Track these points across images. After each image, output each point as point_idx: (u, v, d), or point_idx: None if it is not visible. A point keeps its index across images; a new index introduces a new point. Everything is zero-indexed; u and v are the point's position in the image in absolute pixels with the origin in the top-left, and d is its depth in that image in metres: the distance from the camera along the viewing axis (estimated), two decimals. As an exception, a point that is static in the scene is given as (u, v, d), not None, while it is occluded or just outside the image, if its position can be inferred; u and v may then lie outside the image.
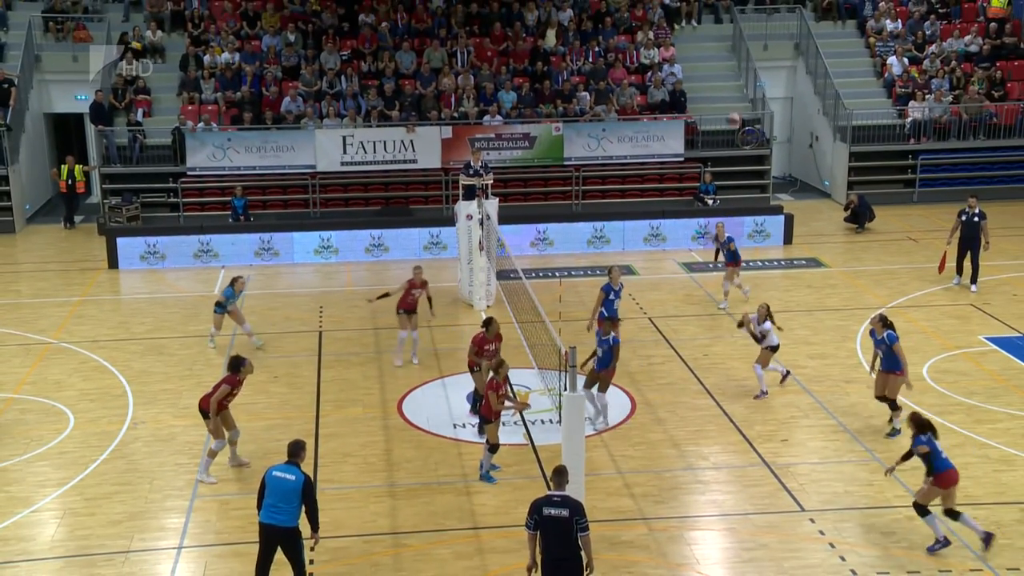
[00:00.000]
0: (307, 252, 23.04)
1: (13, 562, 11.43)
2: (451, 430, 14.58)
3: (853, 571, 11.17)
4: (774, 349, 15.57)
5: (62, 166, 25.58)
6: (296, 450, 10.53)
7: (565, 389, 11.36)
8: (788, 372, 15.92)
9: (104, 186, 25.30)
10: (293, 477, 10.29)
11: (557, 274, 21.53)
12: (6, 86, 25.82)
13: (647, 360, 17.10)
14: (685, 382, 16.25)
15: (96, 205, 25.88)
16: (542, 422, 14.81)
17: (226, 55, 27.02)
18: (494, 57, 27.73)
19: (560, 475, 9.90)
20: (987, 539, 11.45)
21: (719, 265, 20.54)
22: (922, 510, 11.49)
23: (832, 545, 11.67)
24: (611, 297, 16.61)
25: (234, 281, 17.52)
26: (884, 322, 14.28)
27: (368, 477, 13.25)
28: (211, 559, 11.43)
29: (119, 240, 22.45)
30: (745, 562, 11.40)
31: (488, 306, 19.63)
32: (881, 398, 14.46)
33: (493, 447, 13.07)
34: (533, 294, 14.53)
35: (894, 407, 14.33)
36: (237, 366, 13.19)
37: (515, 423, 14.71)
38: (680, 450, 13.84)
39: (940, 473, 11.38)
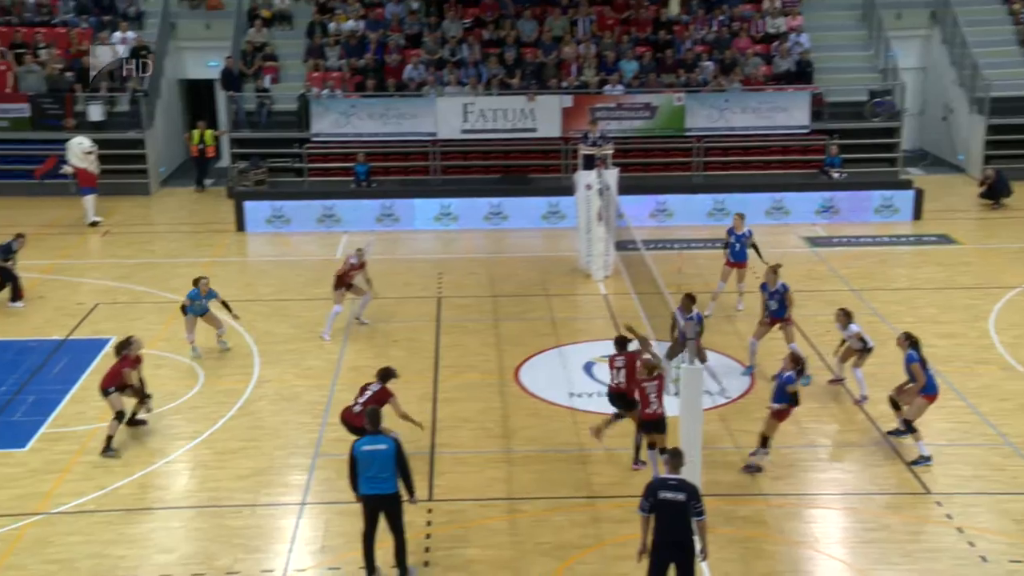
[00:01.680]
0: (427, 219, 23.30)
1: (151, 509, 11.95)
2: (567, 399, 14.61)
3: (983, 557, 10.84)
4: (867, 351, 14.35)
5: (194, 131, 26.38)
6: (375, 419, 10.60)
7: (683, 362, 11.27)
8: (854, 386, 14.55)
9: (233, 150, 26.00)
10: (384, 446, 10.35)
11: (676, 246, 21.31)
12: (144, 53, 26.73)
13: (768, 335, 16.77)
14: (807, 358, 15.86)
15: (225, 169, 26.63)
16: (659, 394, 14.69)
17: (351, 23, 27.39)
18: (616, 25, 27.44)
19: (676, 457, 9.76)
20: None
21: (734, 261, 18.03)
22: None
23: (960, 530, 11.34)
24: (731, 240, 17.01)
25: (197, 281, 16.15)
26: (909, 339, 12.98)
27: (485, 443, 13.39)
28: (332, 516, 11.74)
29: (246, 204, 23.06)
30: (867, 543, 11.16)
31: (606, 276, 19.56)
32: (894, 405, 13.28)
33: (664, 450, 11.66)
34: (652, 265, 14.42)
35: (909, 428, 12.88)
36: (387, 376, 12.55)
37: (632, 394, 14.63)
38: (800, 427, 13.60)
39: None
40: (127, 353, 13.46)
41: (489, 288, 19.25)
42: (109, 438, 13.11)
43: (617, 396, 12.83)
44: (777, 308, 15.30)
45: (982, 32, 27.74)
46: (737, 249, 17.66)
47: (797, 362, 12.37)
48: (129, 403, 13.51)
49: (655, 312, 15.08)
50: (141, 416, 13.76)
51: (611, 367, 12.90)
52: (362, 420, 11.81)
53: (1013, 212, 23.62)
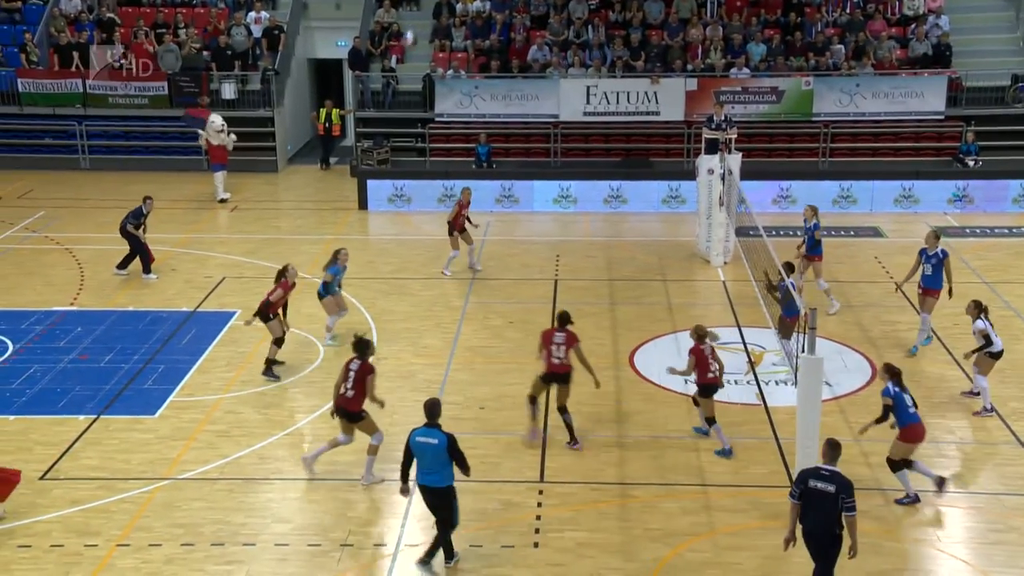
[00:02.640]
0: (546, 200, 23.32)
1: (269, 479, 12.32)
2: (682, 385, 14.45)
3: (1115, 567, 10.35)
4: (996, 355, 13.41)
5: (321, 110, 26.93)
6: (433, 411, 10.36)
7: (803, 351, 11.03)
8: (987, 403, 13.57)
9: (358, 130, 26.45)
10: (436, 440, 10.22)
11: (799, 233, 20.80)
12: (276, 32, 27.42)
13: (891, 326, 16.33)
14: (932, 351, 15.42)
15: (350, 148, 27.13)
16: (776, 383, 14.46)
17: (478, 3, 27.52)
18: (744, 7, 26.89)
19: (833, 448, 9.57)
20: (940, 483, 11.54)
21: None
22: (895, 465, 11.45)
23: (1091, 537, 10.84)
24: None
25: (337, 254, 16.08)
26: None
27: (598, 427, 13.37)
28: (444, 492, 11.86)
29: (369, 182, 23.45)
30: (992, 544, 10.77)
31: (725, 263, 19.27)
32: None
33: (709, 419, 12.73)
34: (774, 252, 14.12)
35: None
36: (364, 349, 12.02)
37: (748, 382, 14.44)
38: (924, 421, 13.15)
39: (904, 427, 11.29)
40: (285, 279, 14.94)
41: (606, 272, 19.17)
42: (270, 361, 14.79)
43: (557, 375, 12.65)
44: (932, 274, 15.14)
45: None
46: (808, 240, 16.80)
47: (893, 374, 11.56)
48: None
49: (772, 300, 14.82)
50: (277, 359, 14.93)
51: (549, 344, 12.64)
52: (354, 405, 11.85)
53: None
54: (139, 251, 18.87)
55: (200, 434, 13.32)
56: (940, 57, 25.29)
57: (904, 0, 26.67)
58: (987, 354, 13.47)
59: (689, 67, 25.52)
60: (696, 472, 12.26)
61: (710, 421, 12.67)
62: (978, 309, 13.57)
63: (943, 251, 15.30)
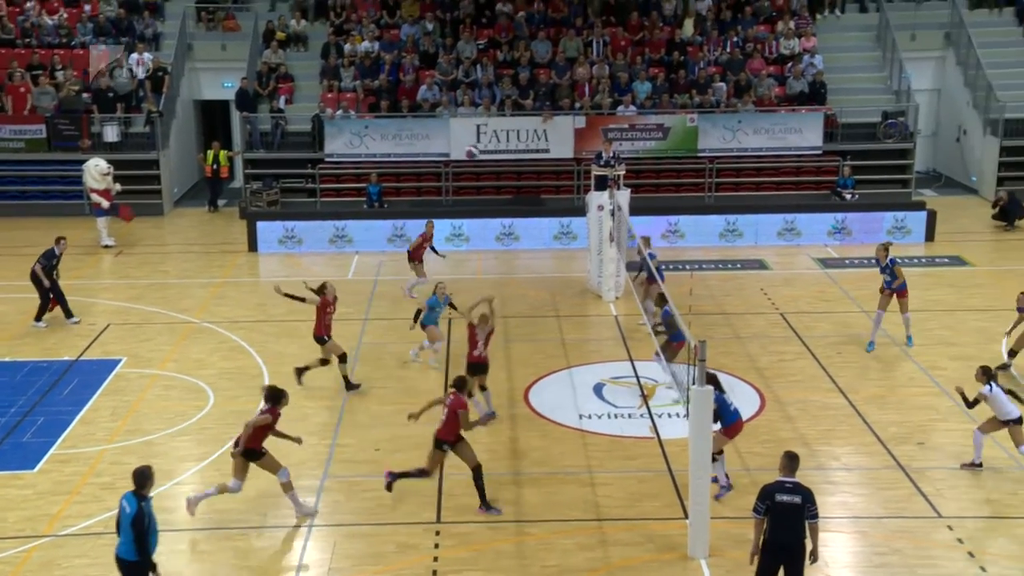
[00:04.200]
0: (438, 240, 23.13)
1: (158, 531, 11.90)
2: (577, 420, 14.57)
3: (994, 583, 10.74)
4: (1014, 422, 12.67)
5: (208, 151, 26.55)
6: (139, 479, 9.79)
7: (693, 383, 11.23)
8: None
9: (246, 171, 26.14)
10: (129, 509, 9.71)
11: (688, 267, 21.28)
12: (160, 74, 26.96)
13: (778, 356, 16.76)
14: (816, 380, 15.86)
15: (238, 189, 26.78)
16: (669, 415, 14.67)
17: (366, 44, 27.56)
18: (629, 47, 27.52)
19: (792, 460, 9.95)
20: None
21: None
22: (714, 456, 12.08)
23: (971, 554, 11.23)
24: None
25: (436, 288, 16.23)
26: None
27: (493, 464, 13.33)
28: (340, 538, 11.72)
29: (259, 224, 23.15)
30: (876, 567, 11.07)
31: (617, 297, 19.54)
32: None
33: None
34: (663, 286, 14.36)
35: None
36: (278, 398, 12.12)
37: (641, 415, 14.62)
38: (810, 449, 13.53)
39: (727, 426, 12.13)
40: (324, 296, 15.33)
41: (499, 309, 19.16)
42: (346, 378, 15.40)
43: (479, 365, 14.09)
44: (890, 280, 16.71)
45: (996, 54, 27.72)
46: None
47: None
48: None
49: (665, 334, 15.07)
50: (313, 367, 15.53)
51: (474, 337, 14.10)
52: (255, 443, 11.81)
53: (1027, 234, 23.52)
54: (46, 295, 18.13)
55: (83, 487, 12.86)
56: (816, 95, 26.27)
57: (781, 40, 27.65)
58: (1006, 422, 12.79)
59: (577, 105, 25.95)
60: (592, 507, 12.32)
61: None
62: (986, 376, 12.92)
63: (892, 260, 16.83)
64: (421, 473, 12.21)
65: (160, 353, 17.11)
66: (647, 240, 17.70)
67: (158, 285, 20.81)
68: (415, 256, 19.66)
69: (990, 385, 12.78)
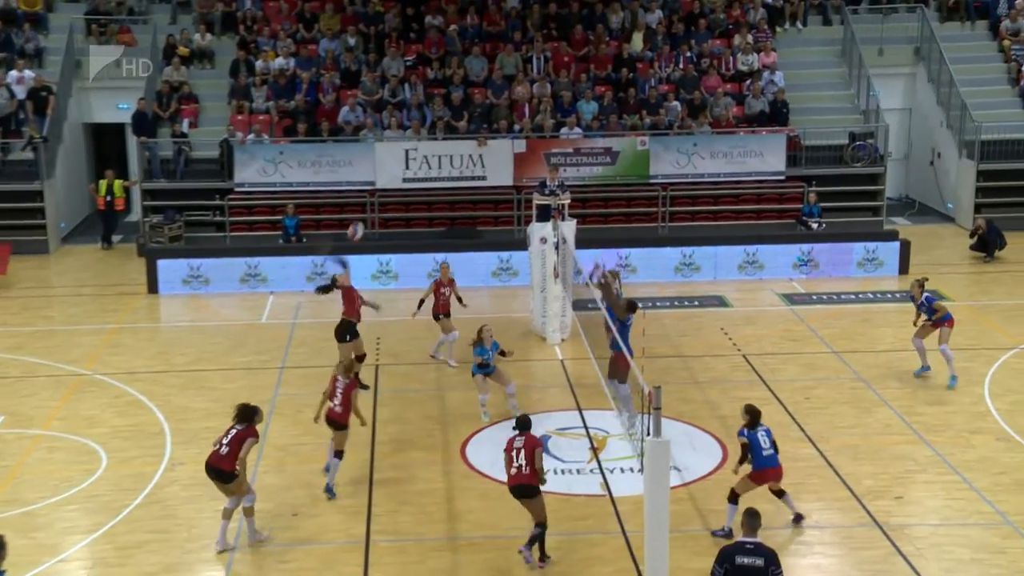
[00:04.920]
0: (364, 277, 23.18)
1: (38, 613, 11.64)
2: (519, 478, 14.52)
3: (979, 651, 10.85)
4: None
5: (101, 181, 26.23)
6: None
7: (648, 434, 11.26)
8: None
9: (145, 203, 25.86)
10: None
11: (640, 305, 21.37)
12: (44, 94, 26.63)
13: (741, 403, 16.78)
14: (783, 428, 15.97)
15: (136, 224, 26.47)
16: (622, 470, 14.70)
17: (280, 60, 27.52)
18: (573, 63, 27.83)
19: (753, 518, 10.08)
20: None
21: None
22: (734, 497, 12.71)
23: (955, 620, 11.36)
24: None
25: (480, 333, 16.24)
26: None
27: (427, 528, 13.25)
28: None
29: (160, 262, 22.89)
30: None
31: (563, 339, 19.59)
32: None
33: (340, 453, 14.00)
34: (613, 327, 14.44)
35: None
36: (251, 416, 12.92)
37: (591, 471, 14.62)
38: (777, 505, 13.58)
39: (756, 470, 12.58)
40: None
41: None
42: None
43: (332, 422, 14.02)
44: (929, 313, 17.50)
45: (970, 70, 28.49)
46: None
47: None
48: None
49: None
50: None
51: (332, 388, 14.12)
52: (227, 463, 12.53)
53: (1007, 265, 24.08)
54: None
55: (-45, 565, 12.48)
56: (777, 114, 26.75)
57: (738, 55, 28.16)
58: None
59: (516, 127, 26.13)
60: (537, 573, 12.26)
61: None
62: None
63: (930, 298, 17.59)
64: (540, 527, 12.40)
65: (44, 410, 16.78)
66: (615, 274, 17.89)
67: (42, 333, 20.45)
68: (441, 309, 18.52)
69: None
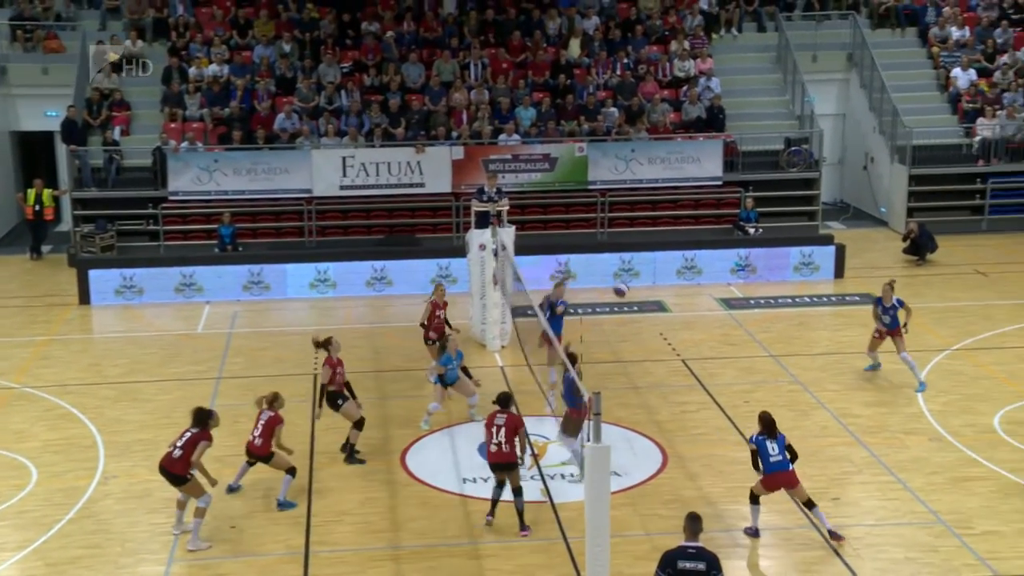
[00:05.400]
0: (301, 286, 23.12)
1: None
2: (460, 485, 14.53)
3: (915, 648, 11.04)
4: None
5: (29, 190, 25.82)
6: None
7: (588, 440, 11.31)
8: None
9: (76, 212, 25.49)
10: None
11: (579, 311, 21.52)
12: (-31, 101, 26.21)
13: (680, 408, 17.04)
14: (722, 432, 16.17)
15: (66, 233, 26.09)
16: (562, 476, 14.75)
17: (214, 67, 27.30)
18: (511, 69, 27.92)
19: (695, 522, 10.16)
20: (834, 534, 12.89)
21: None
22: (753, 498, 13.11)
23: (891, 619, 11.55)
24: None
25: (445, 341, 16.45)
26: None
27: (367, 539, 13.20)
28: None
29: (91, 273, 22.60)
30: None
31: (503, 346, 19.63)
32: None
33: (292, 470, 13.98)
34: (552, 334, 14.51)
35: None
36: (205, 420, 13.14)
37: (531, 477, 14.66)
38: (716, 509, 13.75)
39: (766, 475, 12.86)
40: (329, 355, 15.27)
41: (372, 363, 19.13)
42: (352, 446, 15.13)
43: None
44: (891, 322, 17.62)
45: (901, 76, 29.02)
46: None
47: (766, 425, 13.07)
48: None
49: (557, 385, 15.21)
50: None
51: (256, 423, 13.98)
52: (179, 467, 12.79)
53: (938, 268, 24.54)
54: None
55: None
56: (714, 120, 27.05)
57: (675, 61, 28.42)
58: None
59: (454, 134, 26.15)
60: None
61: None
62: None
63: (899, 300, 17.72)
64: None
65: (-28, 425, 16.49)
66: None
67: (-30, 345, 20.10)
68: (435, 329, 17.82)
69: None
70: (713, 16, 30.17)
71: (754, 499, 13.12)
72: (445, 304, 18.09)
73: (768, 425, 12.96)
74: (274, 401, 14.14)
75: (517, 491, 13.19)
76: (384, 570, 12.54)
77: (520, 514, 13.17)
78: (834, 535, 12.87)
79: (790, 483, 12.97)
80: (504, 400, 13.49)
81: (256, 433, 13.94)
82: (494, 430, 13.14)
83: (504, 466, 13.15)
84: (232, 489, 14.19)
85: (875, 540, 13.07)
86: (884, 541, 13.05)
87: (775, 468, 12.82)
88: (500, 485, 13.33)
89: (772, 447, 12.85)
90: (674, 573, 9.91)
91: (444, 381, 16.28)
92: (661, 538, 12.92)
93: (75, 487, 14.53)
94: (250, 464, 14.22)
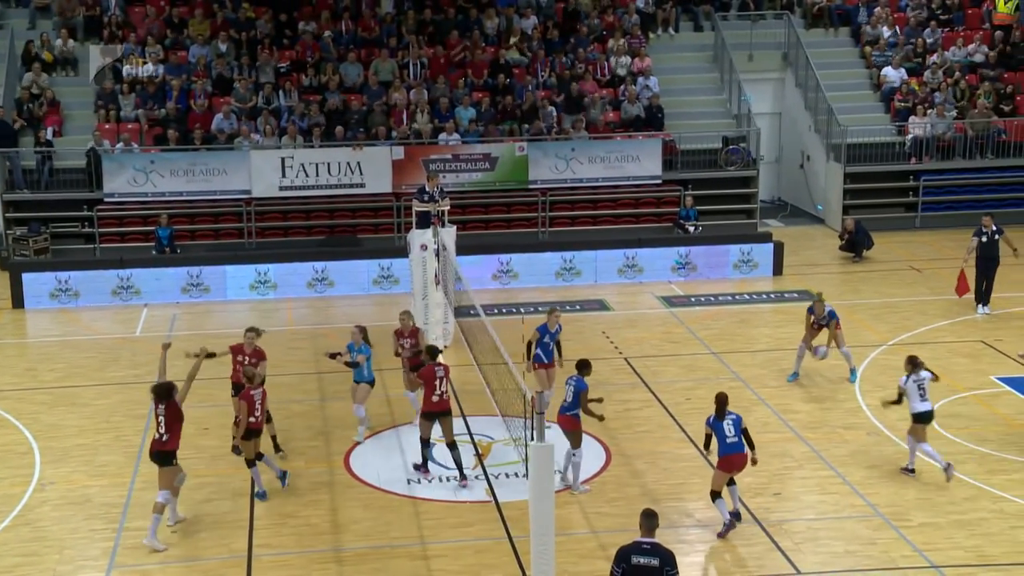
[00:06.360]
0: (241, 288, 22.94)
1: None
2: (405, 486, 14.52)
3: (856, 640, 11.24)
4: (920, 418, 14.50)
5: (-40, 193, 25.37)
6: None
7: (532, 439, 11.37)
8: (948, 465, 14.41)
9: (7, 215, 25.06)
10: None
11: (522, 310, 21.59)
12: None
13: (623, 405, 17.16)
14: (665, 429, 16.32)
15: (-1, 236, 25.68)
16: (507, 476, 14.79)
17: (149, 67, 26.98)
18: (449, 68, 27.90)
19: (650, 519, 10.21)
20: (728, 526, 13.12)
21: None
22: (714, 495, 13.15)
23: (832, 611, 11.74)
24: (545, 339, 16.65)
25: (363, 332, 16.08)
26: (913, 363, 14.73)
27: (311, 541, 13.16)
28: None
29: (25, 276, 22.29)
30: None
31: (445, 346, 19.61)
32: None
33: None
34: (494, 333, 14.55)
35: None
36: (170, 391, 13.21)
37: (476, 477, 14.69)
38: (661, 506, 13.79)
39: (720, 457, 13.07)
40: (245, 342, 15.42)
41: (314, 364, 19.05)
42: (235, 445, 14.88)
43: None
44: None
45: (835, 75, 29.42)
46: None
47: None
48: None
49: (501, 385, 15.21)
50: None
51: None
52: (172, 444, 12.97)
53: (874, 265, 24.93)
54: None
55: None
56: (653, 119, 27.25)
57: (612, 59, 28.59)
58: (915, 416, 14.51)
59: (394, 134, 26.10)
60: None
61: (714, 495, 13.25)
62: (911, 365, 14.61)
63: (831, 311, 17.83)
64: None
65: (-95, 432, 16.17)
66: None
67: (-99, 351, 19.70)
68: (409, 362, 16.33)
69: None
70: (650, 15, 30.38)
71: (716, 496, 13.18)
72: (413, 331, 16.80)
73: (720, 404, 13.20)
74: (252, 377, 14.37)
75: (452, 445, 14.20)
76: (328, 572, 12.51)
77: (459, 465, 14.18)
78: (735, 515, 13.25)
79: (743, 465, 13.14)
80: (435, 352, 14.69)
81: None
82: (437, 381, 14.16)
83: (446, 413, 14.24)
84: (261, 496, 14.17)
85: (816, 534, 13.27)
86: (825, 535, 13.26)
87: (729, 450, 12.99)
88: (427, 443, 14.36)
89: (728, 428, 13.04)
90: (628, 568, 9.97)
91: (355, 379, 16.08)
92: (607, 536, 13.05)
93: (10, 494, 14.32)
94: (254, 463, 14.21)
